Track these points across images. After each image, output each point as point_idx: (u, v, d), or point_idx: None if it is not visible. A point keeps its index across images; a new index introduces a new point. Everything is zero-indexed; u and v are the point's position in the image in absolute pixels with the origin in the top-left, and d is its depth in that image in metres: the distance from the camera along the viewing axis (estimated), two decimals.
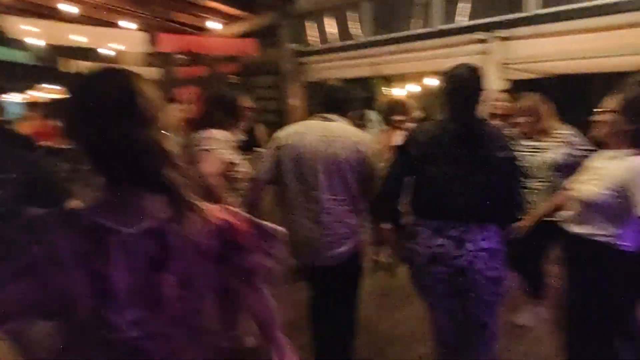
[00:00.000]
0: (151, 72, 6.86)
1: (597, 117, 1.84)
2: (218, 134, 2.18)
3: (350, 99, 2.21)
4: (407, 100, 3.63)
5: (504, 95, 3.17)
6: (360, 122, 6.09)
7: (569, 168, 2.53)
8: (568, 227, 1.89)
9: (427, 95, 6.14)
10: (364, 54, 5.86)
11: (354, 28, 6.17)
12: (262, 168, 2.15)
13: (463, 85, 1.87)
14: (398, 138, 3.34)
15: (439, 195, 1.89)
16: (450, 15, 5.09)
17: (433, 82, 5.82)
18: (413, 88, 6.45)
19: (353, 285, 2.23)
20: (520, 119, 2.80)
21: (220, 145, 2.14)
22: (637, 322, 1.83)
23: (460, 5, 4.99)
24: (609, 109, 1.79)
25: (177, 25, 7.69)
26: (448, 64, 4.76)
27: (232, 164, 2.18)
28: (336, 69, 6.35)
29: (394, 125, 3.42)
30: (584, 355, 1.90)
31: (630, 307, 1.80)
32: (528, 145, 2.74)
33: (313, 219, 2.05)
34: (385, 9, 5.84)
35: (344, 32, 6.34)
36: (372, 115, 5.92)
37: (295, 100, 6.80)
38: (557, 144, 2.67)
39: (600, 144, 1.92)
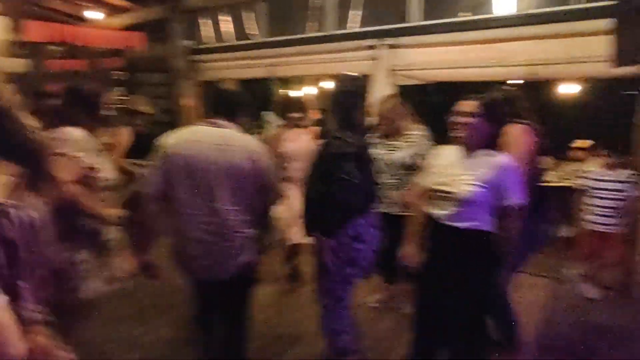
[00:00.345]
0: (16, 63, 6.08)
1: (457, 120, 2.07)
2: (73, 134, 1.94)
3: (241, 103, 2.18)
4: (305, 98, 3.72)
5: (401, 101, 3.35)
6: (257, 124, 6.09)
7: (415, 166, 2.85)
8: (445, 222, 2.09)
9: (324, 97, 6.33)
10: (261, 54, 5.86)
11: (250, 28, 6.13)
12: (150, 181, 2.00)
13: (351, 97, 2.11)
14: (298, 135, 3.41)
15: (371, 193, 2.16)
16: (343, 21, 5.32)
17: (329, 85, 6.02)
18: (310, 90, 6.60)
19: (246, 296, 2.23)
20: (380, 121, 3.08)
21: (76, 146, 1.90)
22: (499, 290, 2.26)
23: (352, 12, 5.23)
24: (468, 112, 2.02)
25: (49, 13, 6.92)
26: (341, 68, 5.00)
27: (92, 169, 1.95)
28: (232, 69, 6.27)
29: (290, 123, 3.47)
30: (466, 330, 2.15)
31: (496, 280, 2.15)
32: (387, 145, 3.01)
33: (211, 232, 1.99)
34: (281, 10, 5.91)
35: (240, 31, 6.26)
36: (270, 116, 5.95)
37: (188, 100, 6.54)
38: (408, 143, 2.98)
39: (456, 144, 2.16)
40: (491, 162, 2.02)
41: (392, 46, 4.83)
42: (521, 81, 4.85)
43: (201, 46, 6.56)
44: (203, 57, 6.51)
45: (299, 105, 3.50)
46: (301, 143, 3.40)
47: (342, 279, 2.21)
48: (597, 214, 3.76)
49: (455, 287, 2.11)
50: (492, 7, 4.50)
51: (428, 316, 2.24)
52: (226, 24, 6.37)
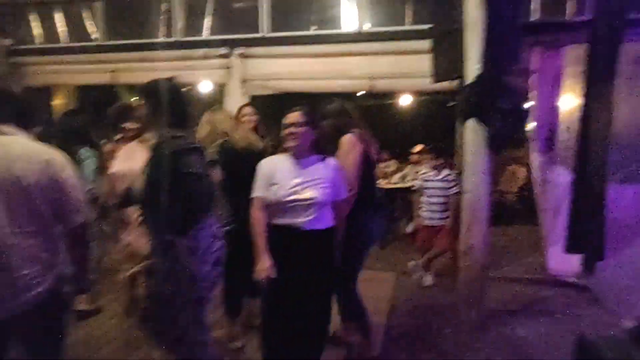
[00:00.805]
0: None
1: (287, 131, 2.29)
2: None
3: (32, 109, 1.97)
4: (140, 106, 3.42)
5: (251, 109, 3.42)
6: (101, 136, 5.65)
7: None
8: (306, 228, 2.26)
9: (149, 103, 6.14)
10: (101, 58, 5.49)
11: (90, 29, 5.70)
12: None
13: (172, 97, 2.15)
14: (133, 151, 3.16)
15: (216, 200, 2.22)
16: (194, 28, 5.29)
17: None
18: None
19: (53, 337, 1.91)
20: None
21: None
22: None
23: (203, 19, 5.24)
24: (295, 123, 2.27)
25: None
26: (192, 76, 4.95)
27: None
28: (66, 73, 5.75)
29: (125, 136, 3.24)
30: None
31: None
32: None
33: None
34: (125, 12, 5.62)
35: (77, 31, 5.77)
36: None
37: None
38: None
39: (287, 153, 2.36)
40: (325, 165, 2.34)
41: (244, 56, 4.98)
42: (364, 92, 5.40)
43: (25, 46, 5.86)
44: (29, 59, 5.82)
45: (133, 113, 3.22)
46: (136, 160, 3.10)
47: (210, 283, 2.20)
48: (429, 210, 4.40)
49: (323, 286, 2.35)
50: (338, 23, 4.94)
51: (289, 324, 2.33)
52: (59, 22, 5.82)
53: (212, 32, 5.23)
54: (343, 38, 4.85)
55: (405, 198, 5.13)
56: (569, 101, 4.13)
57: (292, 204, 2.25)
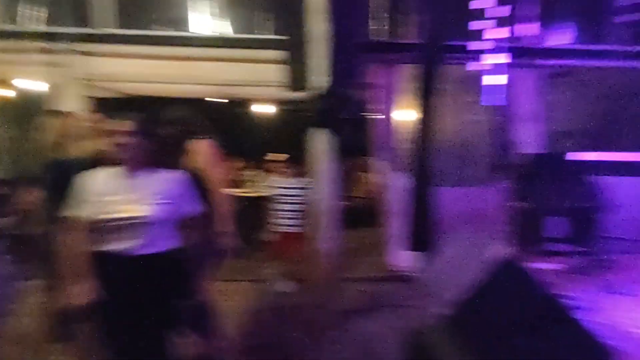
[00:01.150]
0: None
1: (114, 140, 2.01)
2: None
3: None
4: None
5: (97, 115, 3.05)
6: None
7: None
8: (132, 253, 1.97)
9: None
10: None
11: None
12: None
13: None
14: None
15: None
16: (25, 17, 4.61)
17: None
18: None
19: None
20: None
21: None
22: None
23: (32, 8, 4.60)
24: (126, 132, 2.01)
25: None
26: (14, 72, 4.31)
27: None
28: None
29: None
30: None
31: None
32: None
33: None
34: None
35: None
36: None
37: None
38: None
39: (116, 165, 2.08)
40: (165, 178, 2.09)
41: (85, 53, 4.48)
42: (217, 99, 5.31)
43: None
44: None
45: None
46: None
47: None
48: (284, 218, 4.47)
49: (159, 316, 2.06)
50: (189, 26, 4.77)
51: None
52: None
53: (48, 24, 4.60)
54: (197, 42, 4.71)
55: (260, 206, 5.15)
56: (405, 113, 4.61)
57: (114, 224, 1.96)
